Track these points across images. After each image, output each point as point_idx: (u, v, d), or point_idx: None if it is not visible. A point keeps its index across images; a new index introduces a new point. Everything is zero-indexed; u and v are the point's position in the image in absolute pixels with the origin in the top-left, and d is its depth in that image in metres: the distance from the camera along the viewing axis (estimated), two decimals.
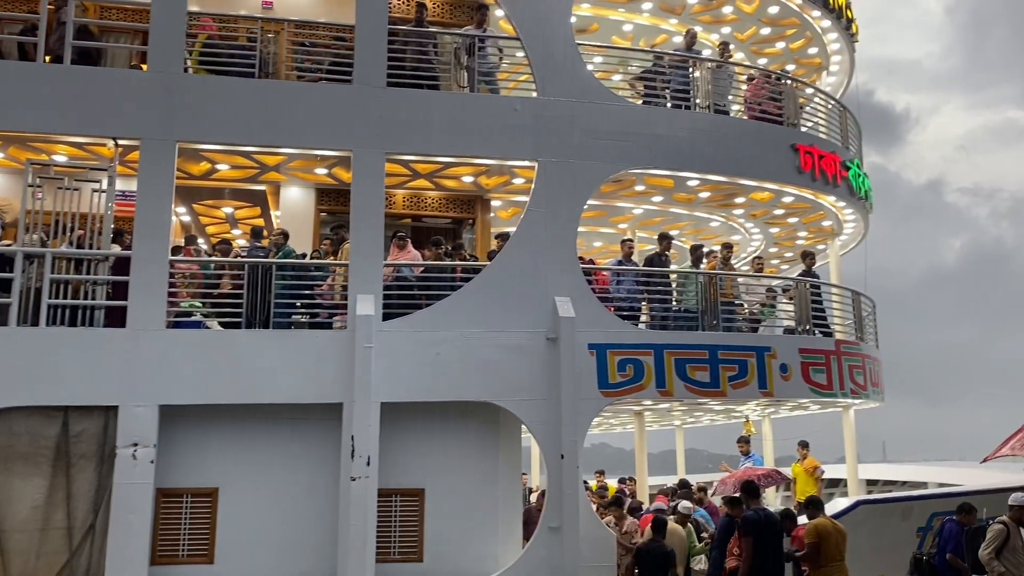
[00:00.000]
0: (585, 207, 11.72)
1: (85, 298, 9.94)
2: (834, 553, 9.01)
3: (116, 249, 10.31)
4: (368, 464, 9.80)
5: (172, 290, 10.17)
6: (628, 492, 15.28)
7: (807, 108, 14.03)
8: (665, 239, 12.94)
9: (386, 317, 10.46)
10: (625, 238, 13.39)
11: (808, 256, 14.24)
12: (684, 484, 14.18)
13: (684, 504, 10.90)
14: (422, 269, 11.26)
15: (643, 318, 12.25)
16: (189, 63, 10.83)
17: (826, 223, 15.14)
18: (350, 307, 10.34)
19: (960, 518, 10.41)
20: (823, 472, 14.32)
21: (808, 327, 12.67)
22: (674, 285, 12.77)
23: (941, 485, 18.63)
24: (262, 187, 12.79)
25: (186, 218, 14.19)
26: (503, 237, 11.97)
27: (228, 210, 14.13)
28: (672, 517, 10.71)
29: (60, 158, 10.96)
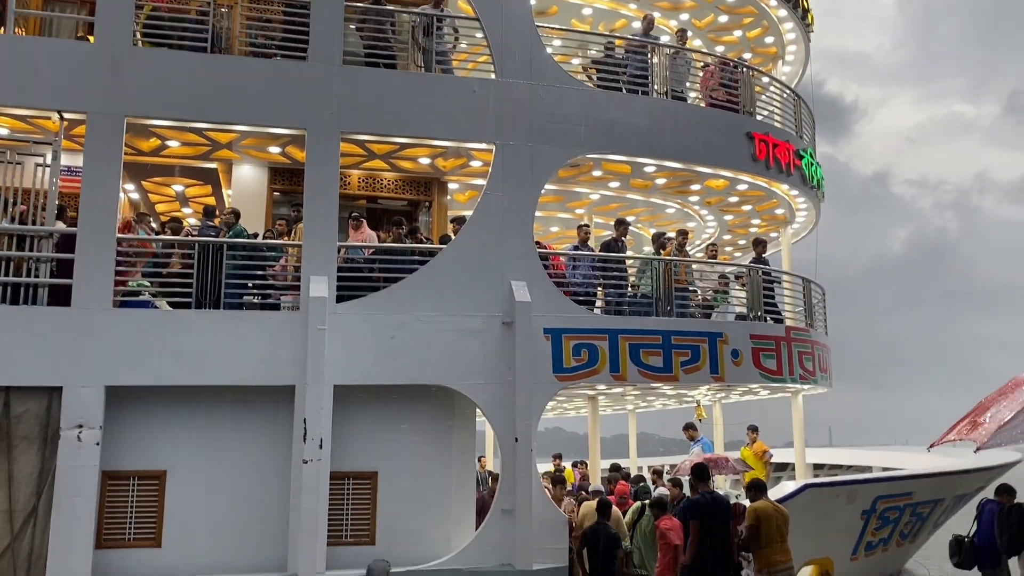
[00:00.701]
0: (543, 191, 11.71)
1: (28, 275, 9.66)
2: (775, 535, 9.15)
3: (60, 226, 10.03)
4: (320, 447, 9.71)
5: (120, 269, 9.94)
6: (582, 476, 15.38)
7: (762, 97, 14.16)
8: (622, 225, 12.99)
9: (341, 299, 10.35)
10: (582, 223, 13.40)
11: (759, 244, 14.42)
12: (616, 468, 14.31)
13: (662, 491, 10.88)
14: (371, 251, 11.13)
15: (598, 303, 12.30)
16: (138, 35, 10.54)
17: (779, 211, 15.34)
18: (303, 288, 10.20)
19: (1000, 499, 10.48)
20: (771, 456, 14.58)
21: (760, 314, 12.84)
22: (630, 271, 12.85)
23: (885, 469, 19.10)
24: (214, 165, 12.52)
25: (135, 195, 13.85)
26: (459, 221, 11.91)
27: (179, 188, 13.82)
28: (645, 501, 10.73)
29: (2, 131, 10.59)
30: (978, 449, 5.92)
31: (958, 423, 5.77)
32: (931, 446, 8.57)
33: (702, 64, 14.06)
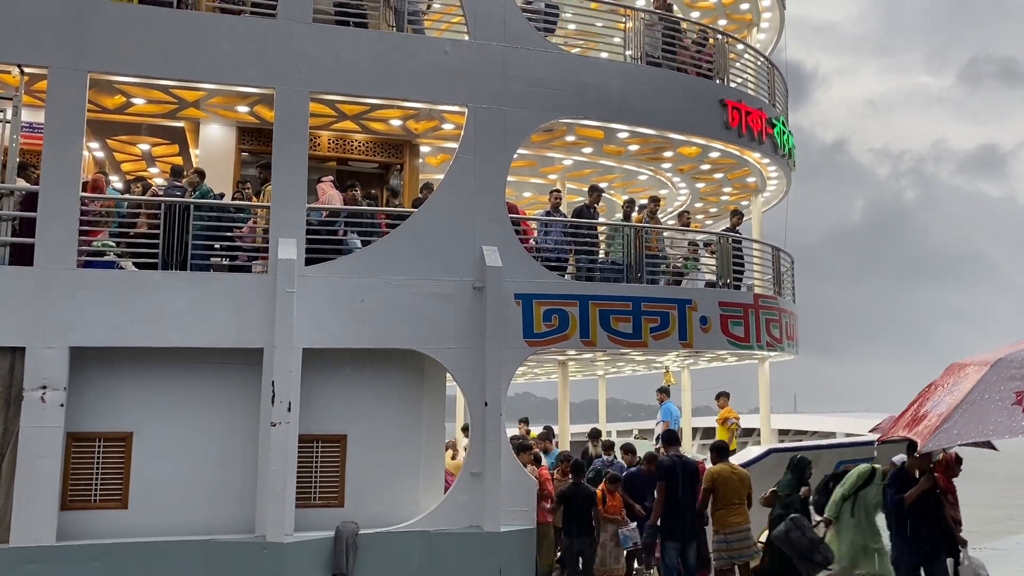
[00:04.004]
0: (515, 156, 11.64)
1: None
2: (732, 497, 9.29)
3: (22, 183, 9.81)
4: (289, 410, 9.69)
5: (84, 228, 9.76)
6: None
7: (736, 64, 14.12)
8: (595, 191, 12.98)
9: (310, 262, 10.26)
10: (553, 189, 13.35)
11: (736, 215, 14.42)
12: (595, 433, 14.49)
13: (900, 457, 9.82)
14: (328, 213, 11.01)
15: (569, 269, 12.32)
16: None
17: (750, 179, 15.39)
18: (271, 251, 10.10)
19: None
20: (733, 423, 14.74)
21: (729, 281, 12.94)
22: (601, 237, 12.86)
23: (848, 435, 19.46)
24: (180, 124, 12.29)
25: (99, 153, 13.57)
26: (428, 187, 11.83)
27: (144, 147, 13.56)
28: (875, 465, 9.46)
29: None
30: (919, 452, 5.77)
31: (904, 413, 5.69)
32: (879, 441, 8.28)
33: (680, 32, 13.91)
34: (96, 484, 9.61)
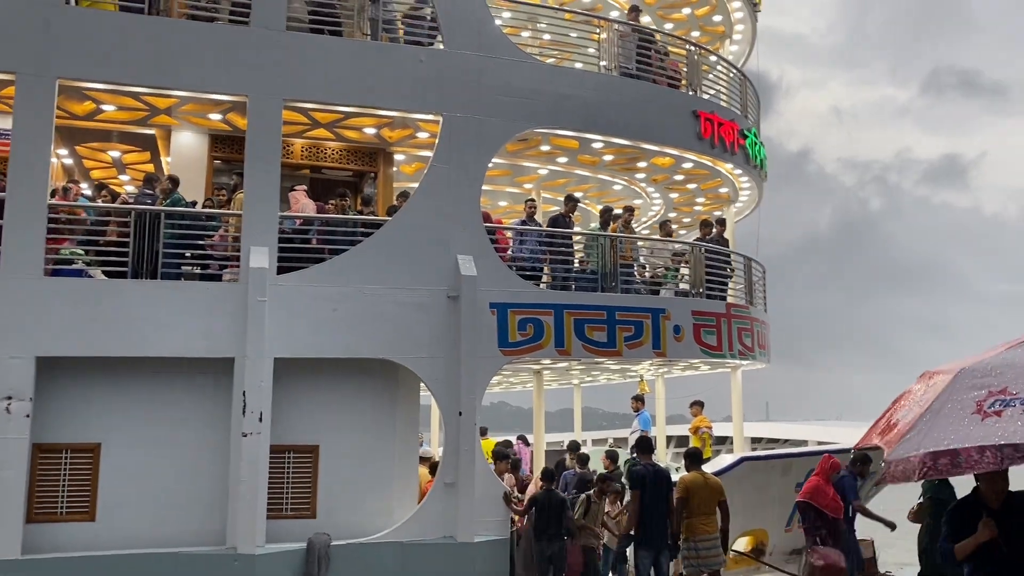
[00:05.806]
0: (490, 165, 11.65)
1: None
2: (702, 506, 9.26)
3: None
4: (260, 420, 9.59)
5: (52, 236, 9.62)
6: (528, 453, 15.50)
7: (709, 76, 14.25)
8: (571, 201, 13.01)
9: (282, 270, 10.18)
10: (528, 198, 13.37)
11: (707, 225, 14.47)
12: (575, 446, 14.49)
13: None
14: (302, 221, 10.94)
15: (544, 278, 12.33)
16: None
17: (723, 190, 15.51)
18: (243, 259, 10.01)
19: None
20: (705, 432, 14.79)
21: (702, 291, 13.02)
22: (577, 247, 12.89)
23: (820, 443, 19.65)
24: (152, 131, 12.16)
25: (68, 160, 13.39)
26: (404, 196, 11.81)
27: (115, 154, 13.39)
28: None
29: None
30: (885, 460, 5.59)
31: (878, 420, 5.54)
32: (855, 448, 8.23)
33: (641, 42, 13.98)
34: (63, 496, 9.45)
